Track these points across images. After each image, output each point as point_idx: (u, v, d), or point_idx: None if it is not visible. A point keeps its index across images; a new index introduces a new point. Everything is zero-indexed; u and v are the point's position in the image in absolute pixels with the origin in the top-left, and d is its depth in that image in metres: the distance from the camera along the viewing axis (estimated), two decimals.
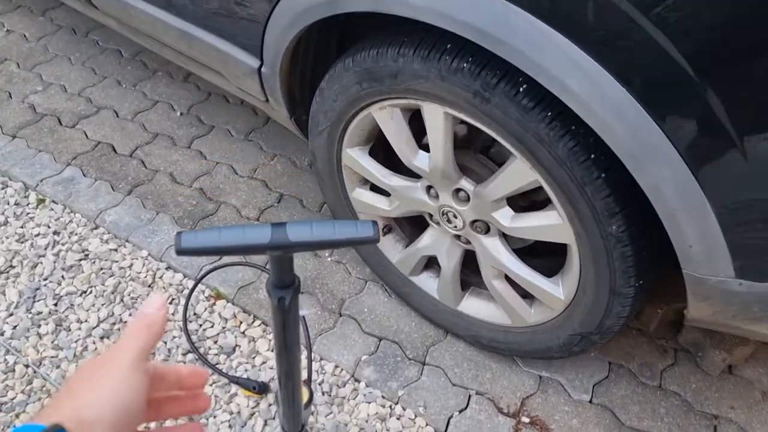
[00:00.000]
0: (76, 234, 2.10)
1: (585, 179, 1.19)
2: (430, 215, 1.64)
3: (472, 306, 1.75)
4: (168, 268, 2.02)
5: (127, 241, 2.08)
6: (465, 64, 1.22)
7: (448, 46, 1.25)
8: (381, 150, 1.68)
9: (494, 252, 1.53)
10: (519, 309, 1.60)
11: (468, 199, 1.49)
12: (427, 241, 1.69)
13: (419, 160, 1.50)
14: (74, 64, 2.79)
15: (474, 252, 1.61)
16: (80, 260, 2.03)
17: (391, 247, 1.83)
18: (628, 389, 1.75)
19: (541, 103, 1.18)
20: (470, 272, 1.74)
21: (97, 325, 1.86)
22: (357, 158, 1.64)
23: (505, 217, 1.44)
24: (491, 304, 1.72)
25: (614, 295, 1.34)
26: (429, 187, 1.57)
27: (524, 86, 1.18)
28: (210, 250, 0.89)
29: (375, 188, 1.74)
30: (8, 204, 2.19)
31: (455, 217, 1.55)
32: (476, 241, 1.57)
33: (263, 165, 2.34)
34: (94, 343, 1.82)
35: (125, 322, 1.87)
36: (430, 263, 1.81)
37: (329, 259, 2.05)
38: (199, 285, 1.97)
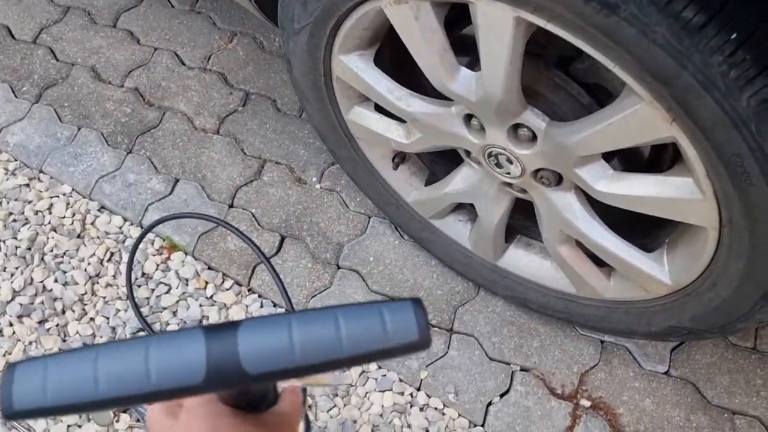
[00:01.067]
0: None
1: None
2: (467, 152, 1.12)
3: (519, 261, 1.29)
4: (102, 209, 1.50)
5: (41, 171, 1.53)
6: None
7: None
8: (389, 52, 1.11)
9: (566, 213, 1.04)
10: (592, 280, 1.15)
11: (533, 138, 0.97)
12: (461, 185, 1.19)
13: (460, 84, 0.95)
14: None
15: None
16: None
17: (404, 182, 1.32)
18: (714, 355, 1.36)
19: (718, 19, 0.63)
20: (516, 213, 1.26)
21: (12, 299, 1.38)
22: (356, 69, 1.07)
23: (597, 176, 0.93)
24: (546, 262, 1.26)
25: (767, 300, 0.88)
26: (469, 116, 1.03)
27: None
28: (74, 406, 0.43)
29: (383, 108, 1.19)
30: None
31: (509, 162, 1.03)
32: (539, 194, 1.07)
33: (219, 50, 1.73)
34: (11, 324, 1.36)
35: (50, 291, 1.40)
36: (461, 203, 1.32)
37: (318, 186, 1.54)
38: (147, 234, 1.47)
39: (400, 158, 1.30)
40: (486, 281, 1.36)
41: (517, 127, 0.98)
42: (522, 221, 1.30)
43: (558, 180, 1.02)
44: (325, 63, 1.10)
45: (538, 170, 1.02)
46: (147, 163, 1.55)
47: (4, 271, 1.41)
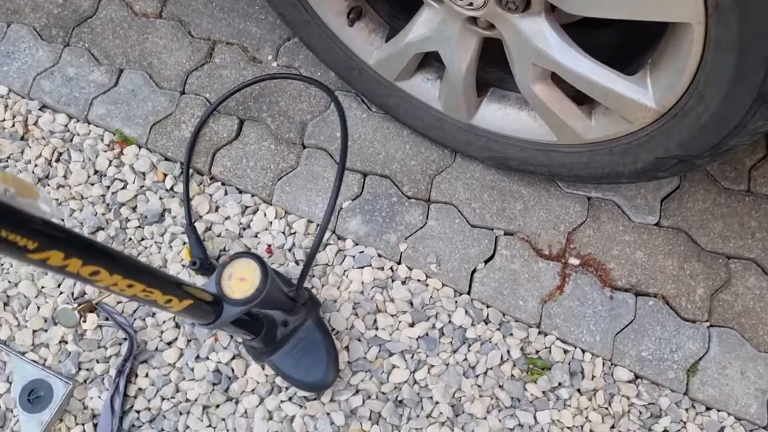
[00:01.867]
0: None
1: None
2: None
3: (494, 116, 1.20)
4: (43, 107, 1.39)
5: None
6: None
7: None
8: None
9: (538, 42, 0.94)
10: (572, 122, 1.06)
11: None
12: (422, 30, 1.08)
13: None
14: None
15: (497, 40, 1.02)
16: None
17: (363, 42, 1.21)
18: (707, 200, 1.29)
19: None
20: (487, 66, 1.16)
21: None
22: None
23: None
24: (523, 113, 1.17)
25: (762, 102, 0.79)
26: None
27: None
28: None
29: None
30: None
31: None
32: (506, 24, 0.96)
33: None
34: None
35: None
36: (427, 59, 1.21)
37: (275, 64, 1.42)
38: (95, 128, 1.37)
39: (356, 14, 1.18)
40: (461, 144, 1.27)
41: None
42: (495, 73, 1.20)
43: (526, 3, 0.91)
44: None
45: None
46: (86, 55, 1.42)
47: None
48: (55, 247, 0.54)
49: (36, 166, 1.32)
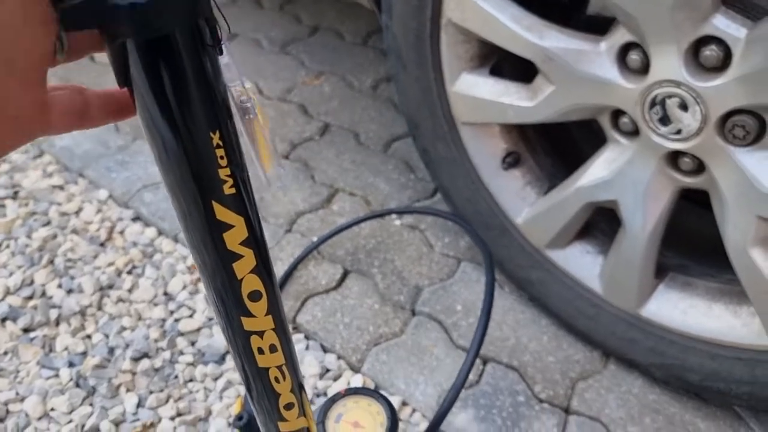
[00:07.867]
0: None
1: None
2: (615, 116, 0.82)
3: (674, 309, 0.91)
4: (136, 218, 1.24)
5: (80, 175, 1.33)
6: None
7: None
8: None
9: None
10: None
11: (724, 62, 0.68)
12: (602, 173, 0.87)
13: None
14: None
15: (694, 192, 0.79)
16: (3, 199, 1.28)
17: (515, 194, 1.01)
18: None
19: None
20: (665, 248, 0.91)
21: (2, 299, 1.10)
22: None
23: None
24: (718, 306, 0.88)
25: None
26: (625, 49, 0.76)
27: None
28: None
29: (496, 71, 0.94)
30: None
31: (683, 108, 0.73)
32: (723, 162, 0.74)
33: (303, 83, 1.56)
34: None
35: (50, 298, 1.10)
36: (589, 228, 0.99)
37: (398, 222, 1.24)
38: (181, 248, 1.19)
39: (513, 159, 1.01)
40: (621, 343, 0.97)
41: (698, 48, 0.69)
42: (675, 258, 0.95)
43: (759, 130, 0.70)
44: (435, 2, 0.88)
45: (726, 117, 0.71)
46: None
47: (5, 268, 1.14)
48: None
49: (104, 273, 1.13)
